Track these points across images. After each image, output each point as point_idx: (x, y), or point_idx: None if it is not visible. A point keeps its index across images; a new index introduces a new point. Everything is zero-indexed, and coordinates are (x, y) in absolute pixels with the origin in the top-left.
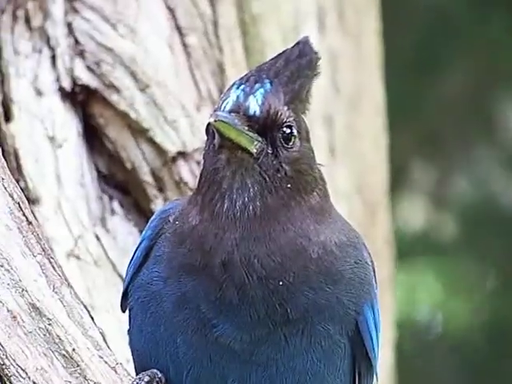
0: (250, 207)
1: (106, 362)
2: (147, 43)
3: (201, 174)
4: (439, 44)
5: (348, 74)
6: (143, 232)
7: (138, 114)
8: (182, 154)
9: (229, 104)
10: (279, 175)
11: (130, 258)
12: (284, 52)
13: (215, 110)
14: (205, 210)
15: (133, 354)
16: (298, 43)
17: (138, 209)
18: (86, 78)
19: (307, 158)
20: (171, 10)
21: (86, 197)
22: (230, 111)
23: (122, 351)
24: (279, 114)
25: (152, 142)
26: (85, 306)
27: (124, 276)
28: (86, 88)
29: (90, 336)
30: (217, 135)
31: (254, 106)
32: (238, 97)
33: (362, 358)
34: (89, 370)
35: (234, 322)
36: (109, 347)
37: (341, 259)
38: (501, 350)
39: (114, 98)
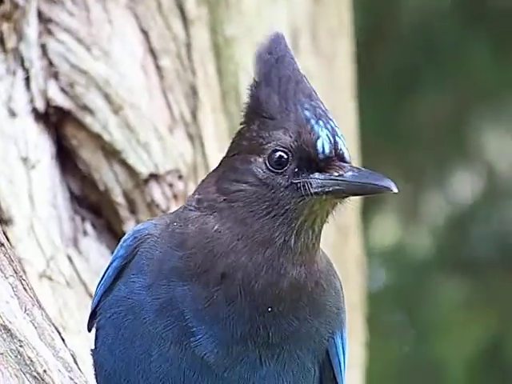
0: (302, 248)
1: None
2: (121, 65)
3: (253, 195)
4: (416, 67)
5: (321, 96)
6: (115, 252)
7: (111, 136)
8: (154, 176)
9: (326, 146)
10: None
11: (101, 277)
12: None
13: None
14: (245, 232)
15: (98, 376)
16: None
17: (110, 230)
18: (60, 100)
19: None
20: (145, 33)
21: (58, 218)
22: (330, 152)
23: (91, 372)
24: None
25: (124, 163)
26: (56, 328)
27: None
28: (59, 109)
29: (60, 357)
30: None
31: (346, 150)
32: (328, 137)
33: (329, 382)
34: None
35: (215, 335)
36: (79, 369)
37: (326, 291)
38: None
39: (87, 119)
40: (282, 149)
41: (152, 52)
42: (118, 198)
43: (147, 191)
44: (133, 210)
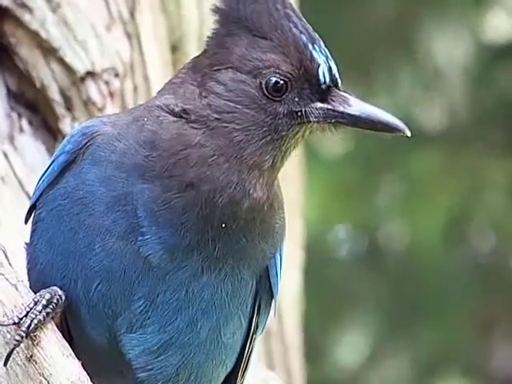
0: (279, 168)
1: (7, 280)
2: None
3: (250, 120)
4: None
5: None
6: (60, 146)
7: (49, 34)
8: (90, 74)
9: (327, 75)
10: None
11: (43, 171)
12: None
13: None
14: (233, 149)
15: (31, 270)
16: None
17: (46, 127)
18: None
19: None
20: None
21: None
22: (330, 81)
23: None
24: None
25: (61, 61)
26: None
27: (33, 192)
28: None
29: None
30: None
31: (338, 76)
32: (327, 65)
33: (264, 292)
34: None
35: (164, 238)
36: (10, 264)
37: (276, 213)
38: None
39: (25, 17)
40: (281, 77)
41: None
42: (55, 95)
43: (84, 89)
44: (69, 107)
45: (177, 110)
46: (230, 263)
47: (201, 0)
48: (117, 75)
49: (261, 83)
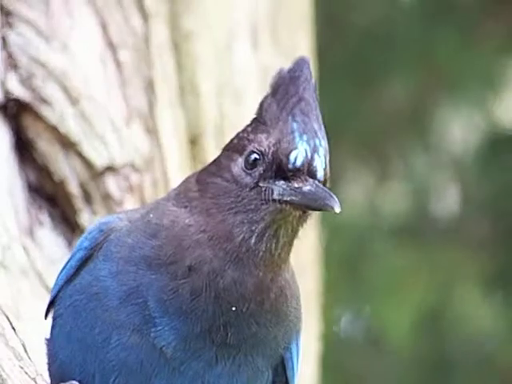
0: (264, 254)
1: (26, 373)
2: (79, 58)
3: (223, 189)
4: (377, 56)
5: None
6: (78, 243)
7: (68, 128)
8: (109, 169)
9: (299, 159)
10: (301, 229)
11: (62, 267)
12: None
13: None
14: (209, 224)
15: (52, 365)
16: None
17: (66, 221)
18: (19, 92)
19: None
20: (104, 26)
21: (14, 207)
22: (300, 167)
23: (44, 362)
24: (328, 178)
25: (81, 155)
26: (7, 317)
27: (52, 286)
28: (18, 101)
29: (11, 347)
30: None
31: (320, 169)
32: (306, 152)
33: None
34: (9, 381)
35: (175, 327)
36: (29, 358)
37: (289, 301)
38: None
39: (45, 111)
40: (257, 151)
41: (111, 45)
42: (74, 190)
43: (102, 183)
44: (88, 201)
45: (173, 196)
46: (243, 350)
47: (219, 94)
48: (136, 170)
49: (243, 158)
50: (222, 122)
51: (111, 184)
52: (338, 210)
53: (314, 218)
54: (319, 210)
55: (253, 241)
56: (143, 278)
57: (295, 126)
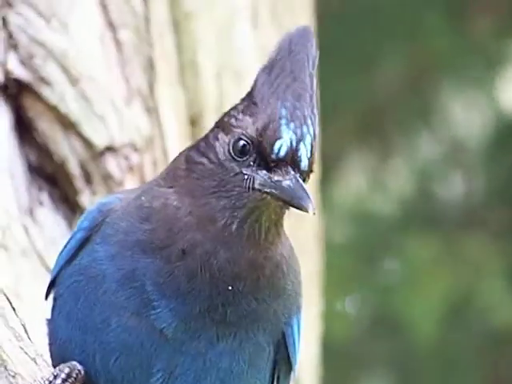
0: (248, 238)
1: (26, 353)
2: (79, 38)
3: (208, 171)
4: (377, 34)
5: None
6: (78, 223)
7: (68, 108)
8: (109, 149)
9: (283, 149)
10: (284, 215)
11: (62, 247)
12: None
13: (262, 141)
14: (194, 206)
15: (52, 345)
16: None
17: (66, 201)
18: (19, 72)
19: None
20: (104, 6)
21: (14, 188)
22: (284, 157)
23: (44, 342)
24: (314, 165)
25: (81, 135)
26: (7, 298)
27: (52, 266)
28: (18, 81)
29: (11, 327)
30: (278, 198)
31: (305, 159)
32: (291, 142)
33: (283, 362)
34: (10, 361)
35: (174, 309)
36: (29, 338)
37: (286, 275)
38: None
39: (45, 91)
40: (245, 138)
41: (111, 25)
42: (74, 170)
43: (103, 163)
44: (88, 181)
45: (163, 175)
46: (243, 327)
47: (219, 74)
48: (136, 150)
49: (230, 140)
50: (222, 102)
51: (111, 164)
52: (311, 212)
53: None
54: (294, 208)
55: (234, 226)
56: (139, 262)
57: (283, 112)
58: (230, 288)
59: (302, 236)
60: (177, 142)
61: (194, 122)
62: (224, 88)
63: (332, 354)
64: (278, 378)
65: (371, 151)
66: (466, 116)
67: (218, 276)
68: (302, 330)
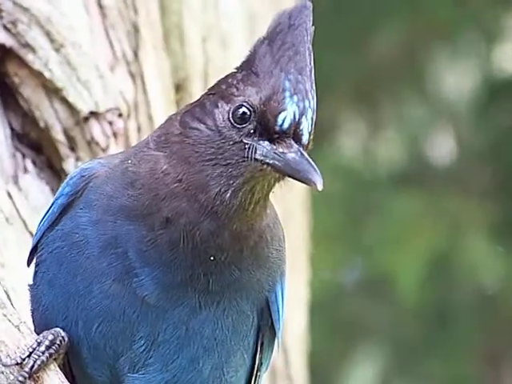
0: (238, 209)
1: (9, 321)
2: (63, 3)
3: (205, 137)
4: (372, 2)
5: None
6: (60, 189)
7: (52, 74)
8: (94, 114)
9: (287, 121)
10: (275, 188)
11: (44, 213)
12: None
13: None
14: (187, 172)
15: (35, 312)
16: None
17: (50, 167)
18: (2, 37)
19: None
20: None
21: None
22: (287, 129)
23: (28, 309)
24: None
25: (65, 101)
26: None
27: (34, 233)
28: (1, 47)
29: None
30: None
31: (306, 133)
32: (294, 115)
33: (266, 329)
34: None
35: (157, 277)
36: (13, 305)
37: (269, 244)
38: None
39: (29, 57)
40: (247, 106)
41: None
42: (58, 136)
43: (87, 129)
44: (73, 147)
45: (154, 139)
46: (227, 296)
47: (205, 39)
48: (120, 115)
49: (230, 108)
50: (208, 67)
51: (96, 130)
52: (320, 186)
53: None
54: (300, 182)
55: (228, 195)
56: (122, 228)
57: (287, 84)
58: (213, 258)
59: (290, 202)
60: (162, 108)
61: (179, 87)
62: (210, 52)
63: (320, 319)
64: (262, 344)
65: (363, 120)
66: (457, 82)
67: (201, 247)
68: (286, 296)
